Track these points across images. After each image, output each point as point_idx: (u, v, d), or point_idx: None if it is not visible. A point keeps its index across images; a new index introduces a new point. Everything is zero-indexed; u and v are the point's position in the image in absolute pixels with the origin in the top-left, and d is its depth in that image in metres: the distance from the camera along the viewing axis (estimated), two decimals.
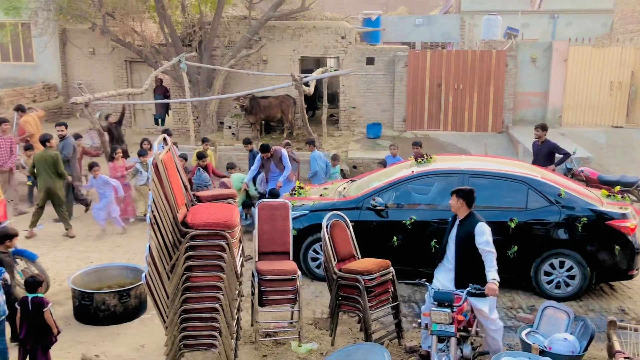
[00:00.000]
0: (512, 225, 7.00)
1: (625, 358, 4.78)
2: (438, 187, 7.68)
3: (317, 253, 7.68)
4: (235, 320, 5.49)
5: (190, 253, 4.85)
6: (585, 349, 5.44)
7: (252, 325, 6.13)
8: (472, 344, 5.29)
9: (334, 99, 18.62)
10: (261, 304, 5.93)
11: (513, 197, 7.21)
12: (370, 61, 16.40)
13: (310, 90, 12.98)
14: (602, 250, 7.05)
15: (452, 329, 4.85)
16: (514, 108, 16.30)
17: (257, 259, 6.14)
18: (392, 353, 5.70)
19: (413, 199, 7.69)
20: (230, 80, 16.81)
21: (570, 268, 7.12)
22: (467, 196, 5.41)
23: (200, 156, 9.96)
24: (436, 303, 4.95)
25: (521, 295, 7.33)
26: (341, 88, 16.80)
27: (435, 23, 24.20)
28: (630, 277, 7.23)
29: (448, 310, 4.85)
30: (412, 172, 7.69)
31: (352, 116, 16.69)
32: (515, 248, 7.06)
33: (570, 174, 11.45)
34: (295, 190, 8.40)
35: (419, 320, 5.35)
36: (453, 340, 4.87)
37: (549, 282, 7.21)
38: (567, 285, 7.17)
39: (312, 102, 17.95)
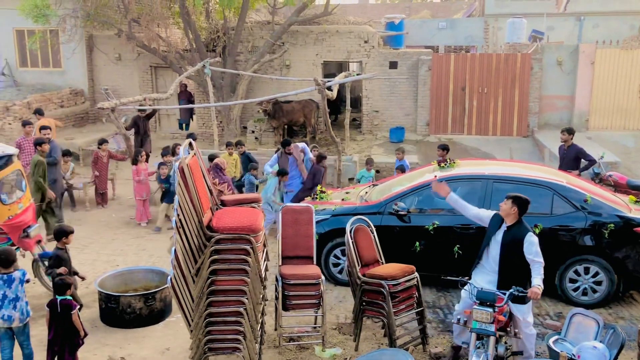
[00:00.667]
0: (537, 231, 6.90)
1: None
2: (461, 192, 7.58)
3: (339, 258, 7.66)
4: (260, 324, 5.51)
5: (216, 257, 4.88)
6: (615, 358, 5.33)
7: (275, 329, 6.14)
8: (505, 343, 5.37)
9: (356, 103, 18.60)
10: (285, 308, 5.93)
11: (538, 203, 7.04)
12: (393, 65, 16.36)
13: (334, 94, 12.98)
14: (630, 257, 6.92)
15: (493, 328, 4.96)
16: (540, 112, 16.10)
17: (280, 263, 6.15)
18: (417, 359, 5.66)
19: (436, 204, 7.61)
20: (254, 85, 16.91)
21: (596, 274, 7.00)
22: (522, 205, 5.36)
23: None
24: (478, 302, 5.04)
25: (548, 302, 7.21)
26: (364, 92, 16.78)
27: (458, 26, 24.06)
28: None
29: (490, 309, 4.95)
30: (435, 177, 7.62)
31: (374, 120, 16.66)
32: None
33: (598, 178, 11.26)
34: (317, 195, 8.40)
35: (459, 317, 5.42)
36: (492, 339, 4.97)
37: (575, 290, 7.09)
38: (594, 291, 7.05)
39: (335, 106, 17.97)
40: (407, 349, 5.79)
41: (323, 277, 5.93)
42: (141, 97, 12.63)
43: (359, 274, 5.91)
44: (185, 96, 18.17)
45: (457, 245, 7.10)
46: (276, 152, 10.83)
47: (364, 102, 16.79)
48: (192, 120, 18.63)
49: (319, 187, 8.77)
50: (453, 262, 7.00)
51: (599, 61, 15.68)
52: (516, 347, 5.55)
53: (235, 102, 15.21)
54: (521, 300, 5.23)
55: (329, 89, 11.98)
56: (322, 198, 8.26)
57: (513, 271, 5.30)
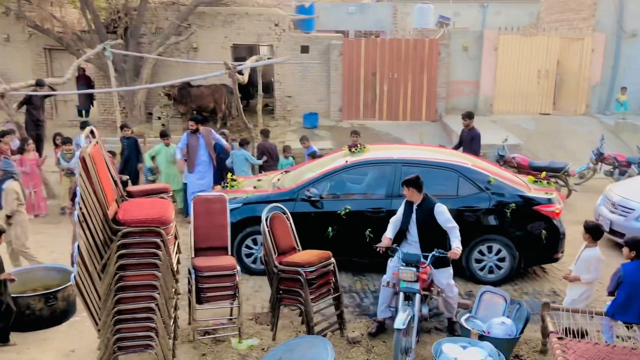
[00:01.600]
0: None
1: (558, 338, 5.00)
2: (372, 177, 7.82)
3: (251, 248, 7.63)
4: (173, 319, 5.37)
5: (123, 251, 4.68)
6: (522, 332, 5.67)
7: (189, 323, 6.00)
8: (428, 305, 5.98)
9: (268, 89, 18.50)
10: (199, 302, 5.81)
11: (444, 185, 7.40)
12: (304, 49, 16.38)
13: (245, 79, 12.82)
14: (530, 235, 7.35)
15: (417, 286, 5.48)
16: (447, 97, 16.75)
17: (193, 255, 6.01)
18: (335, 344, 5.74)
19: (348, 189, 7.78)
20: (159, 69, 16.37)
21: (499, 252, 7.39)
22: (414, 183, 5.80)
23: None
24: (404, 264, 5.54)
25: (459, 281, 7.50)
26: (276, 77, 16.70)
27: (368, 11, 24.48)
28: (556, 260, 7.61)
29: (414, 269, 5.47)
30: (346, 162, 7.77)
31: (287, 106, 16.64)
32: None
33: (502, 160, 11.91)
34: (227, 183, 8.25)
35: (387, 280, 5.84)
36: (418, 297, 5.48)
37: (481, 269, 7.47)
38: (499, 268, 7.45)
39: (246, 91, 17.75)
40: (325, 335, 5.85)
41: (238, 268, 5.86)
42: (33, 81, 11.87)
43: (276, 263, 5.89)
44: (84, 81, 17.29)
45: (369, 229, 7.26)
46: (185, 131, 10.59)
47: (277, 87, 16.72)
48: (93, 106, 17.79)
49: (229, 175, 8.63)
50: (365, 245, 7.14)
51: (502, 47, 16.51)
52: (441, 307, 6.14)
53: (140, 87, 14.66)
54: (443, 263, 5.79)
55: (240, 73, 11.82)
56: (233, 186, 8.13)
57: (431, 239, 5.80)
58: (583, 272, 5.81)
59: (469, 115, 10.53)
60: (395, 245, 5.88)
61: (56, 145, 10.81)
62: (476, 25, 23.43)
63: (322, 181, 7.65)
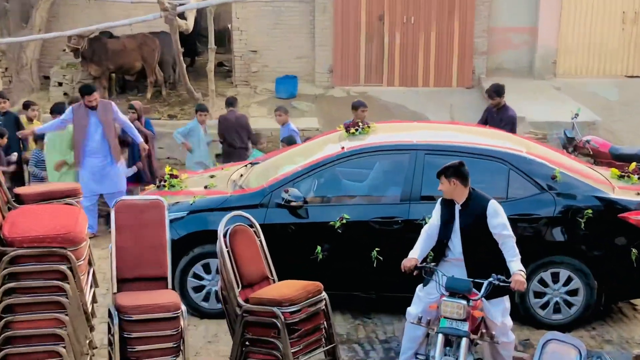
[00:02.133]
0: None
1: None
2: (380, 171, 7.85)
3: (201, 279, 7.61)
4: None
5: (11, 285, 4.65)
6: None
7: None
8: (473, 354, 5.83)
9: (223, 41, 18.45)
10: (125, 359, 5.79)
11: (487, 183, 7.35)
12: None
13: (190, 25, 12.80)
14: (614, 256, 7.33)
15: (466, 327, 5.40)
16: (489, 51, 16.80)
17: (115, 290, 5.98)
18: None
19: (345, 189, 7.81)
20: (59, 10, 16.32)
21: (569, 281, 7.37)
22: (458, 173, 5.82)
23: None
24: (448, 293, 5.48)
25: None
26: (235, 23, 16.66)
27: None
28: None
29: (464, 302, 5.40)
30: (342, 148, 7.77)
31: (252, 65, 16.64)
32: None
33: (572, 146, 11.99)
34: (164, 181, 8.17)
35: (419, 316, 5.80)
36: (465, 342, 5.39)
37: (543, 306, 7.47)
38: (570, 306, 7.47)
39: (191, 44, 17.70)
40: None
41: (184, 308, 5.84)
42: None
43: (240, 300, 5.88)
44: None
45: (377, 249, 7.24)
46: (69, 104, 10.66)
47: (236, 37, 16.70)
48: None
49: (167, 169, 8.55)
50: (372, 272, 7.16)
51: None
52: (488, 358, 6.12)
53: (30, 38, 14.56)
54: (497, 294, 5.73)
55: (182, 16, 11.78)
56: (173, 186, 8.08)
57: (482, 257, 5.80)
58: None
59: (497, 91, 10.50)
60: (433, 264, 5.91)
61: None
62: None
63: (307, 178, 7.63)
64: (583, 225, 7.20)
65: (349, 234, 7.31)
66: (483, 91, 15.97)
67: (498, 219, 5.76)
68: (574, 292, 7.41)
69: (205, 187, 8.06)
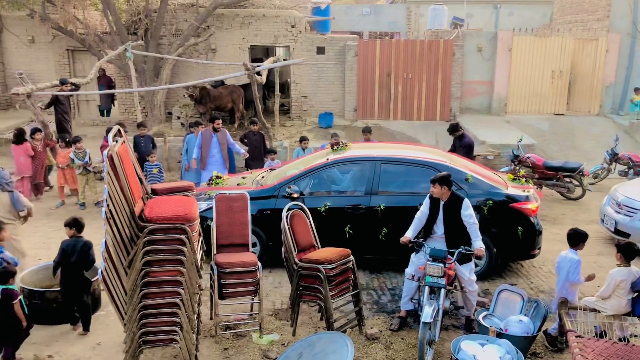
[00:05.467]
0: None
1: (576, 337, 4.96)
2: (352, 174, 7.88)
3: None
4: (196, 315, 5.39)
5: (149, 248, 4.72)
6: (539, 329, 5.64)
7: (211, 318, 6.04)
8: (450, 299, 6.10)
9: (284, 89, 18.53)
10: (221, 297, 5.84)
11: (423, 182, 7.36)
12: (320, 50, 16.38)
13: (263, 79, 12.86)
14: (507, 232, 7.32)
15: (443, 281, 5.53)
16: (461, 97, 16.66)
17: (215, 252, 6.04)
18: (354, 340, 5.74)
19: (329, 186, 7.80)
20: (178, 70, 16.45)
21: None
22: (446, 181, 5.89)
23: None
24: (431, 259, 5.61)
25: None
26: (292, 77, 16.71)
27: (381, 13, 24.38)
28: (533, 257, 7.60)
29: (442, 265, 5.53)
30: (327, 159, 7.79)
31: (303, 106, 16.66)
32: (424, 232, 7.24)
33: (517, 160, 11.83)
34: (213, 180, 8.27)
35: (413, 274, 5.96)
36: (443, 292, 5.54)
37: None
38: (476, 265, 7.38)
39: (264, 92, 17.79)
40: (344, 332, 5.85)
41: (260, 264, 5.87)
42: (57, 81, 11.98)
43: (296, 259, 5.90)
44: (105, 81, 17.42)
45: (349, 225, 7.36)
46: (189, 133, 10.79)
47: (293, 87, 16.73)
48: (114, 106, 17.91)
49: (214, 173, 8.62)
50: (345, 241, 7.14)
51: (516, 48, 16.38)
52: (460, 302, 6.21)
53: (159, 87, 14.74)
54: (466, 259, 5.91)
55: (258, 73, 11.84)
56: (217, 184, 8.16)
57: (457, 234, 5.88)
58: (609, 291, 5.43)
59: (450, 129, 10.23)
60: (421, 239, 5.96)
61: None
62: (489, 27, 23.29)
63: (304, 178, 7.67)
64: (486, 211, 7.25)
65: (330, 215, 7.38)
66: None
67: (468, 211, 5.85)
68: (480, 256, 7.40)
69: (238, 184, 8.10)
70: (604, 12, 16.91)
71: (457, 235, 5.88)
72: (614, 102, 16.96)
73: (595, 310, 5.50)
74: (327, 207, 7.38)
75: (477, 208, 7.16)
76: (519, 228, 7.26)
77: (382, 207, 7.32)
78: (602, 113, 16.79)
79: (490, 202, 7.25)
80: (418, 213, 6.13)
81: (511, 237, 7.30)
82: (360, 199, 7.45)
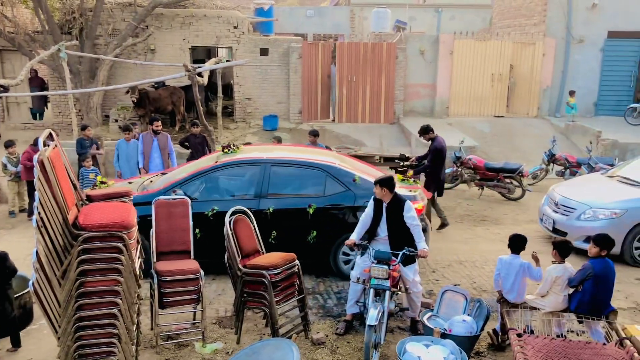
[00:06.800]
0: (311, 211, 7.24)
1: (517, 335, 5.12)
2: (241, 177, 7.81)
3: None
4: (135, 325, 5.25)
5: (84, 257, 4.55)
6: (482, 329, 5.79)
7: (152, 329, 5.89)
8: (395, 301, 6.10)
9: (227, 91, 18.37)
10: (162, 306, 5.70)
11: (313, 184, 7.50)
12: (264, 52, 16.34)
13: (204, 81, 12.69)
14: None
15: (388, 283, 5.55)
16: (405, 99, 16.96)
17: (155, 260, 5.90)
18: (300, 346, 5.72)
19: (218, 190, 7.65)
20: (116, 71, 16.04)
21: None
22: (388, 183, 5.95)
23: None
24: (376, 261, 5.63)
25: (331, 279, 7.64)
26: (235, 79, 16.58)
27: (325, 15, 24.59)
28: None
29: (386, 267, 5.56)
30: (216, 162, 7.72)
31: (247, 108, 16.55)
32: (315, 233, 7.32)
33: (459, 162, 12.13)
34: (96, 185, 7.90)
35: (358, 277, 5.99)
36: (387, 294, 5.56)
37: (346, 263, 7.54)
38: None
39: (206, 93, 17.57)
40: (290, 338, 5.83)
41: (202, 272, 5.77)
42: None
43: (240, 265, 5.83)
44: (37, 83, 16.78)
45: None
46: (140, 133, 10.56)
47: (236, 89, 16.61)
48: (47, 109, 17.27)
49: (99, 178, 8.33)
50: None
51: (457, 51, 16.82)
52: (405, 303, 6.27)
53: (96, 89, 14.31)
54: (410, 261, 5.98)
55: (200, 75, 11.67)
56: (101, 189, 7.91)
57: (400, 236, 5.94)
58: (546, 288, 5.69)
59: (421, 130, 9.62)
60: (365, 242, 5.98)
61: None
62: (431, 30, 23.84)
63: (192, 182, 7.48)
64: None
65: (218, 220, 6.91)
66: (401, 126, 16.17)
67: (410, 213, 5.91)
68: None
69: None
70: (540, 17, 17.61)
71: (400, 237, 5.93)
72: (551, 104, 17.68)
73: (534, 308, 5.70)
74: (214, 211, 7.21)
75: (364, 208, 7.30)
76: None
77: (271, 210, 7.27)
78: (540, 115, 17.48)
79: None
80: (363, 215, 6.18)
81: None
82: (249, 202, 7.29)
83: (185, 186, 7.40)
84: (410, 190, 7.75)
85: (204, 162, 8.07)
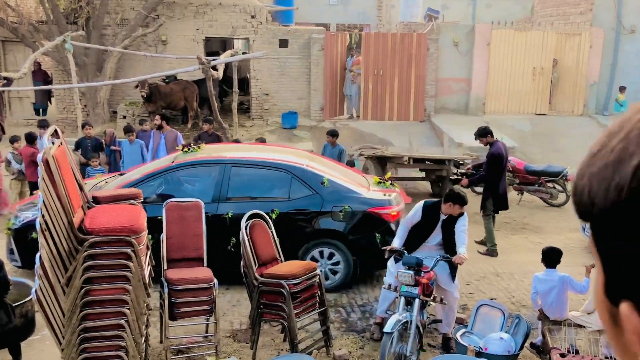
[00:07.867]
0: (273, 216, 7.05)
1: (560, 354, 5.05)
2: (200, 179, 7.79)
3: None
4: (144, 338, 5.29)
5: (90, 263, 4.61)
6: (521, 347, 5.72)
7: (161, 342, 5.94)
8: (427, 312, 6.13)
9: (243, 86, 18.46)
10: (172, 318, 5.74)
11: (277, 187, 7.47)
12: (283, 43, 16.37)
13: (220, 75, 12.78)
14: (364, 239, 7.40)
15: (416, 290, 5.56)
16: (436, 95, 16.86)
17: (165, 267, 5.94)
18: None
19: (176, 192, 7.48)
20: (124, 63, 16.22)
21: (332, 256, 7.46)
22: (462, 200, 5.97)
23: None
24: (405, 267, 5.65)
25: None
26: (252, 73, 16.66)
27: (350, 3, 24.58)
28: None
29: (411, 272, 5.55)
30: (172, 162, 7.70)
31: (265, 104, 16.61)
32: (278, 240, 7.25)
33: None
34: (33, 193, 7.97)
35: (389, 283, 5.97)
36: (417, 302, 5.54)
37: None
38: (335, 274, 7.51)
39: (221, 88, 17.68)
40: (310, 354, 5.82)
41: (216, 281, 5.80)
42: None
43: (256, 274, 5.85)
44: (40, 76, 17.07)
45: None
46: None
47: (253, 84, 16.68)
48: (51, 104, 17.55)
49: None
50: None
51: (495, 42, 16.67)
52: (440, 315, 6.28)
53: (103, 83, 14.50)
54: (453, 269, 6.06)
55: (214, 68, 11.76)
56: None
57: (450, 244, 6.06)
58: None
59: (477, 134, 9.18)
60: (403, 248, 6.01)
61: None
62: (466, 19, 23.68)
63: (147, 184, 7.36)
64: (341, 217, 7.32)
65: None
66: (432, 124, 16.10)
67: (465, 221, 6.02)
68: (337, 264, 7.50)
69: None
70: (587, 4, 17.38)
71: (450, 243, 6.06)
72: (598, 101, 17.42)
73: (580, 326, 5.62)
74: None
75: (332, 213, 7.32)
76: (377, 235, 7.31)
77: (230, 214, 7.22)
78: (586, 113, 17.23)
79: (347, 206, 7.30)
80: (406, 222, 6.24)
81: (369, 245, 7.29)
82: (207, 206, 6.86)
83: (139, 188, 7.12)
84: (385, 194, 7.71)
85: (161, 162, 8.08)
